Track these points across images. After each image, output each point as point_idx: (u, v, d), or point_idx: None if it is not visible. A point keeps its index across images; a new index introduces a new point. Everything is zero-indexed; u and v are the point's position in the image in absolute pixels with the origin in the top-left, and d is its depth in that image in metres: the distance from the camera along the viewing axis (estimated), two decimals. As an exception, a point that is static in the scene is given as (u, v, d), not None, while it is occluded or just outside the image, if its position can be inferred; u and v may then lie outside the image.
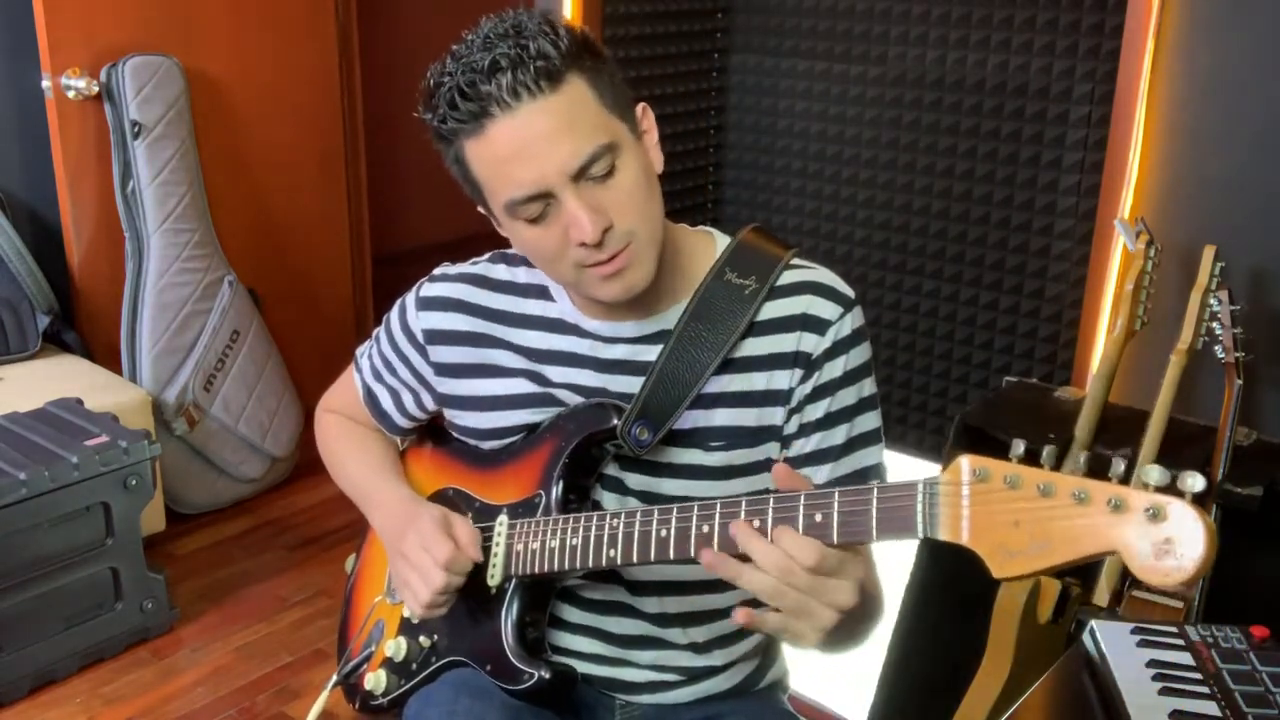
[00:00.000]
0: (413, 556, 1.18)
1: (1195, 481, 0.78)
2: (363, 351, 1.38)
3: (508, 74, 1.01)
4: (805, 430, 1.16)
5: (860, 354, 1.17)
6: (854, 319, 1.16)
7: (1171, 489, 0.78)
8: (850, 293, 1.17)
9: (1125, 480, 0.81)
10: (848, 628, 1.00)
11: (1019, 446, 0.86)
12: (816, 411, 1.15)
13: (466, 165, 1.08)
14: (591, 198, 1.04)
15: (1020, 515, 0.83)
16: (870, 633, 1.13)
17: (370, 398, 1.37)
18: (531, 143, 1.02)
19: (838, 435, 1.16)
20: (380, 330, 1.34)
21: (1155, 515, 0.77)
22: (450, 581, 1.16)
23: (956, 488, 0.86)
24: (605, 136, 1.05)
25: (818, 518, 0.93)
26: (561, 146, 1.02)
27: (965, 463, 0.86)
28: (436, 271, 1.30)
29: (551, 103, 1.02)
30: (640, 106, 1.12)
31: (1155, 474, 0.79)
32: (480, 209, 1.15)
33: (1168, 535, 0.77)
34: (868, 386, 1.18)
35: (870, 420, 1.18)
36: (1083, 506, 0.80)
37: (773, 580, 0.93)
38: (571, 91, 1.03)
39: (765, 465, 1.17)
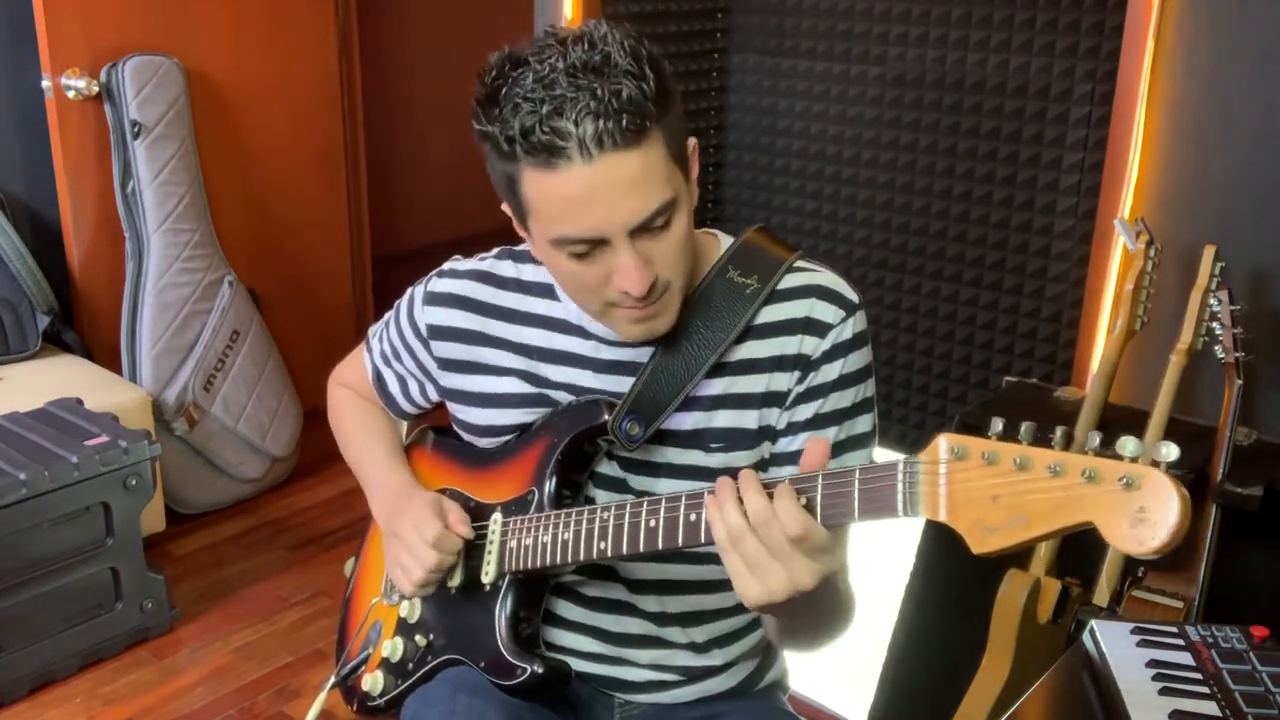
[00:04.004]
0: (405, 536, 1.21)
1: (1169, 451, 0.78)
2: (374, 332, 1.39)
3: (596, 122, 0.97)
4: (793, 429, 1.16)
5: (859, 358, 1.16)
6: (855, 323, 1.16)
7: (1146, 459, 0.79)
8: (854, 296, 1.17)
9: (1103, 453, 0.81)
10: (807, 617, 1.01)
11: (997, 424, 0.86)
12: (806, 412, 1.15)
13: (519, 186, 1.04)
14: (644, 250, 1.04)
15: (998, 490, 0.83)
16: (831, 638, 1.14)
17: (378, 380, 1.38)
18: (602, 193, 1.00)
19: (826, 437, 1.15)
20: (391, 316, 1.35)
21: (1129, 484, 0.78)
22: (441, 560, 1.19)
23: (935, 466, 0.87)
24: (669, 192, 1.03)
25: (802, 501, 0.94)
26: (631, 202, 1.01)
27: (943, 441, 0.87)
28: (446, 266, 1.30)
29: (630, 158, 0.99)
30: (691, 143, 1.10)
31: (1130, 445, 0.79)
32: (506, 209, 1.13)
33: (1142, 504, 0.77)
34: (865, 390, 1.17)
35: (864, 424, 1.18)
36: (1058, 479, 0.81)
37: (743, 525, 0.94)
38: (650, 147, 1.01)
39: (763, 467, 1.18)
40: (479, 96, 1.04)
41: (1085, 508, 0.79)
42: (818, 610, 1.05)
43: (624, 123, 0.97)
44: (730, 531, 0.95)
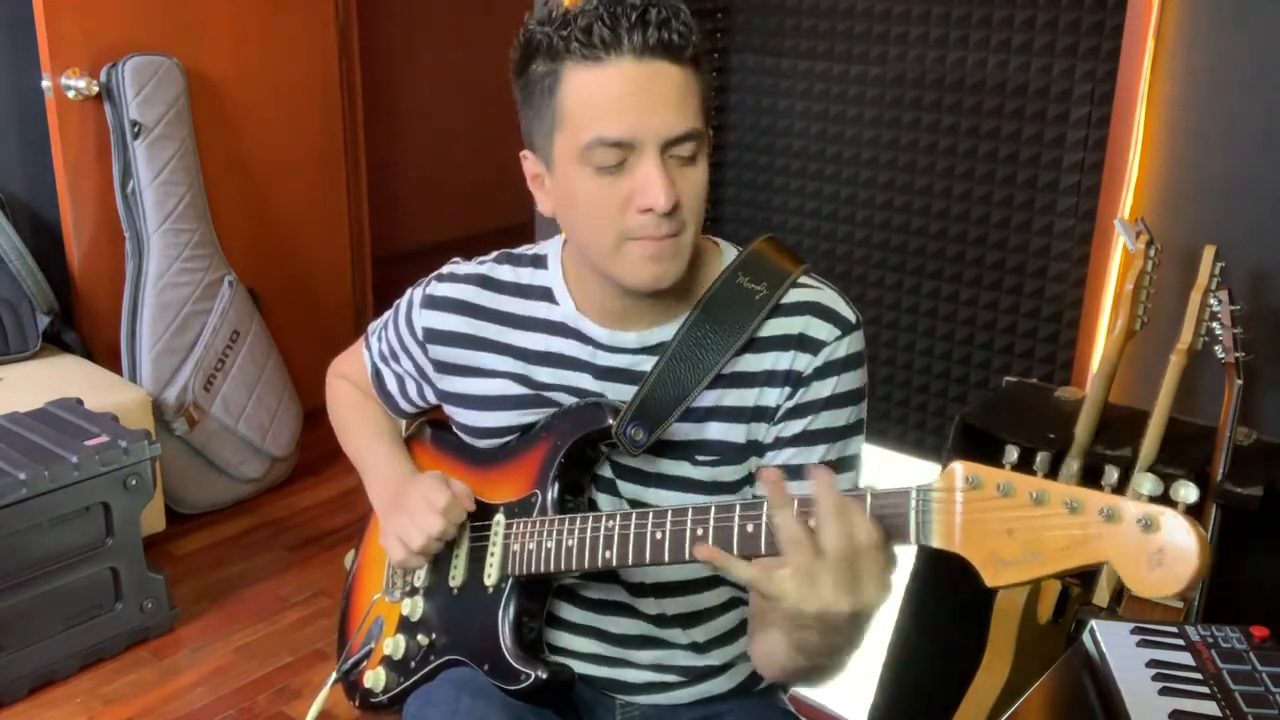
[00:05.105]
0: (412, 504, 1.21)
1: (1189, 492, 0.78)
2: (374, 329, 1.40)
3: (654, 30, 1.03)
4: (780, 444, 1.15)
5: (852, 379, 1.15)
6: (851, 343, 1.15)
7: (1164, 499, 0.78)
8: (851, 316, 1.16)
9: (1119, 488, 0.80)
10: (835, 644, 0.98)
11: (1012, 453, 0.86)
12: (795, 427, 1.14)
13: (558, 91, 1.06)
14: (670, 172, 1.06)
15: (1013, 524, 0.82)
16: (843, 665, 1.08)
17: (377, 377, 1.39)
18: (644, 95, 1.04)
19: (813, 455, 1.14)
20: (390, 316, 1.36)
21: (1148, 526, 0.77)
22: (444, 529, 1.18)
23: (950, 495, 0.86)
24: (702, 125, 1.07)
25: (811, 523, 0.92)
26: (669, 112, 1.04)
27: (959, 469, 0.86)
28: (445, 270, 1.30)
29: (675, 73, 1.05)
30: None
31: (1148, 484, 0.79)
32: (528, 152, 1.14)
33: (1160, 546, 0.77)
34: (857, 413, 1.16)
35: (851, 446, 1.17)
36: (1075, 516, 0.80)
37: (802, 533, 0.91)
38: (690, 75, 1.06)
39: (748, 481, 1.18)
40: (534, 20, 1.09)
41: (1102, 547, 0.79)
42: (851, 636, 1.00)
43: (676, 38, 1.03)
44: (794, 540, 0.91)
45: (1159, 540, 0.77)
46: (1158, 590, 0.77)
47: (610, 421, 1.14)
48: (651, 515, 1.05)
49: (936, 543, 0.86)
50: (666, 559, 1.03)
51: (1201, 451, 1.78)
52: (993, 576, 0.83)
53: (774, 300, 1.15)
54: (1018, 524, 0.82)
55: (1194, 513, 0.78)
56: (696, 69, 1.07)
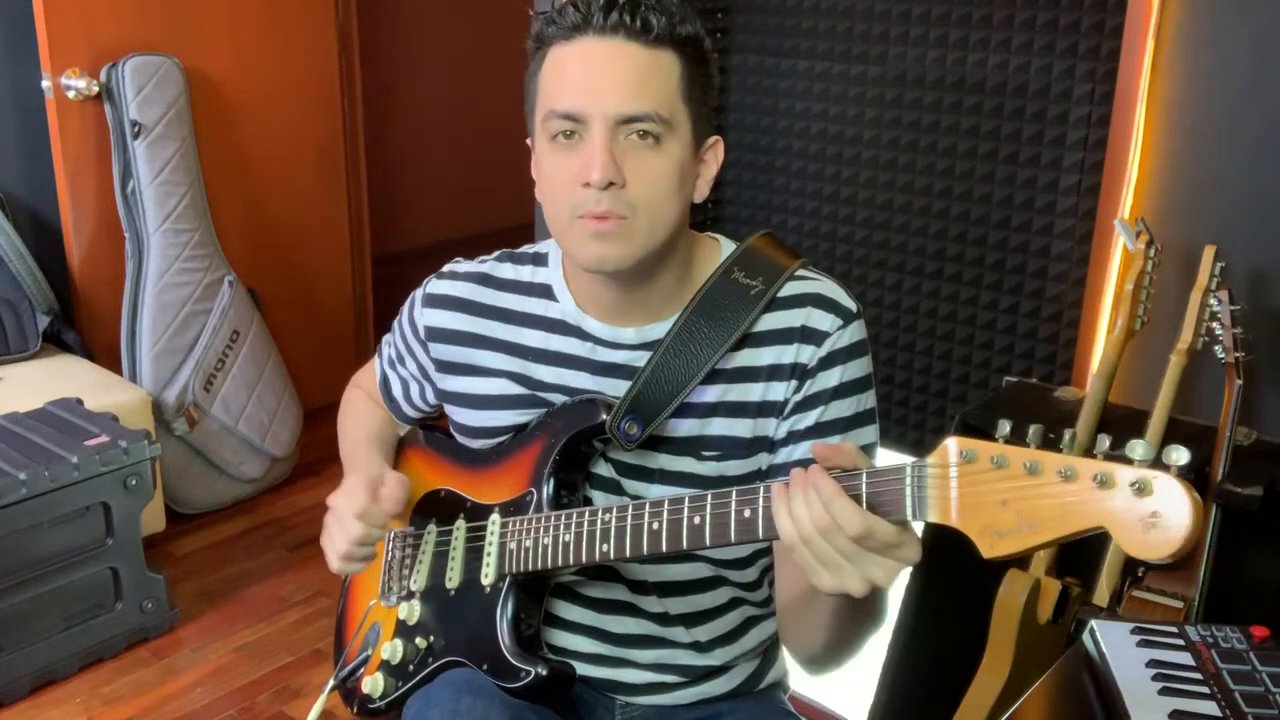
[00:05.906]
0: (336, 506, 1.20)
1: (1180, 455, 0.78)
2: (387, 337, 1.41)
3: (617, 11, 1.04)
4: (794, 438, 1.15)
5: (858, 367, 1.15)
6: (853, 332, 1.15)
7: (1157, 463, 0.79)
8: (852, 305, 1.16)
9: (1112, 457, 0.81)
10: (854, 620, 1.01)
11: (1004, 427, 0.86)
12: (807, 420, 1.14)
13: (541, 71, 1.10)
14: (621, 154, 1.06)
15: (1007, 494, 0.83)
16: (866, 640, 1.11)
17: (385, 384, 1.40)
18: (598, 71, 1.05)
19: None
20: (398, 318, 1.37)
21: (1141, 489, 0.77)
22: (366, 533, 1.17)
23: (944, 469, 0.87)
24: (667, 111, 1.07)
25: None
26: (623, 89, 1.05)
27: (953, 444, 0.86)
28: (446, 268, 1.31)
29: (640, 55, 1.05)
30: (714, 138, 1.14)
31: (1141, 449, 0.79)
32: (528, 137, 1.17)
33: (1154, 509, 0.77)
34: (866, 400, 1.16)
35: (867, 435, 1.17)
36: (1069, 483, 0.80)
37: (809, 529, 0.91)
38: (662, 59, 1.07)
39: (757, 476, 1.17)
40: (540, 15, 1.12)
41: (1097, 513, 0.79)
42: (868, 611, 1.04)
43: (640, 22, 1.04)
44: (801, 533, 0.92)
45: (1153, 503, 0.77)
46: (1154, 553, 0.77)
47: (604, 417, 1.14)
48: (648, 506, 1.05)
49: (933, 518, 0.87)
50: (664, 549, 1.03)
51: (1201, 451, 1.78)
52: (989, 548, 0.84)
53: (770, 294, 1.15)
54: (1012, 494, 0.83)
55: (1187, 476, 0.78)
56: (682, 55, 1.07)
